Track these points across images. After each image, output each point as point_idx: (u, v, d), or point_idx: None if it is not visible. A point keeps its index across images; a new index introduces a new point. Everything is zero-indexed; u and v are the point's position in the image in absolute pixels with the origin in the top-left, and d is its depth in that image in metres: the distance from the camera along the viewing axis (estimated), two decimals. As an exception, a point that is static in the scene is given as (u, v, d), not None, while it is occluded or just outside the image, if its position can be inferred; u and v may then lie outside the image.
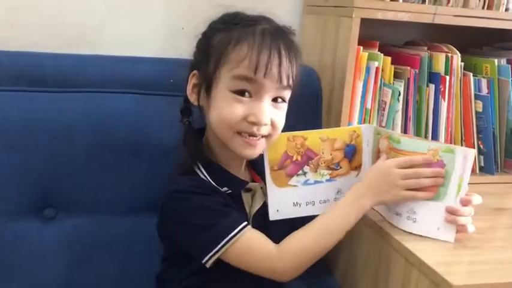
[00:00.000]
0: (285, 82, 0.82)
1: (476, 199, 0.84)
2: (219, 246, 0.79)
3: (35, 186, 0.97)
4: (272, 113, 0.83)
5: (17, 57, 1.01)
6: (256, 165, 0.94)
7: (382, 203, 0.88)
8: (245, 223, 0.81)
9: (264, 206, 0.90)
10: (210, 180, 0.86)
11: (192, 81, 0.87)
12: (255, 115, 0.81)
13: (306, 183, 0.92)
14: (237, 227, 0.80)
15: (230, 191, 0.86)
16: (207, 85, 0.83)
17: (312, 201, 0.93)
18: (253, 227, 0.85)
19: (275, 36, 0.81)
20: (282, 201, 0.91)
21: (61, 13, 1.15)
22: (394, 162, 0.85)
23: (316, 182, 0.92)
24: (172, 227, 0.84)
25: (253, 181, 0.93)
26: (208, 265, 0.80)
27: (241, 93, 0.81)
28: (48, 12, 1.14)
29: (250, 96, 0.81)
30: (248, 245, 0.80)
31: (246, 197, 0.89)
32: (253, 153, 0.85)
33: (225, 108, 0.81)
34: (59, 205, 1.00)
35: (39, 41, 1.12)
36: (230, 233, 0.79)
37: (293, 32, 0.87)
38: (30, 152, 0.96)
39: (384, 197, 0.84)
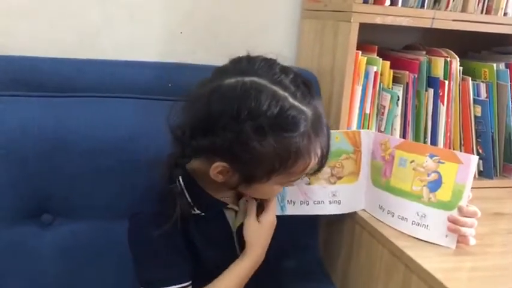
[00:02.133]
0: None
1: (475, 211, 0.84)
2: None
3: (32, 191, 0.96)
4: None
5: (15, 62, 1.01)
6: None
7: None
8: (185, 284, 0.81)
9: None
10: (188, 198, 0.83)
11: (218, 169, 0.76)
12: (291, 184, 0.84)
13: (302, 182, 0.93)
14: (172, 285, 0.80)
15: (203, 214, 0.85)
16: (250, 181, 0.77)
17: (307, 201, 0.94)
18: (238, 239, 0.88)
19: (323, 131, 0.77)
20: (275, 198, 0.91)
21: (59, 18, 1.14)
22: (272, 211, 0.88)
23: (313, 183, 0.93)
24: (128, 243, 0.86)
25: (237, 194, 0.90)
26: None
27: None
28: (46, 18, 1.14)
29: None
30: None
31: (228, 212, 0.89)
32: None
33: (269, 194, 0.85)
34: (56, 211, 0.99)
35: (37, 47, 1.12)
36: (163, 286, 0.80)
37: (311, 83, 0.79)
38: (28, 157, 0.95)
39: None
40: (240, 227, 0.88)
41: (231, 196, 0.90)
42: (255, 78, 0.73)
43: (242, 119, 0.70)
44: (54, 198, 0.98)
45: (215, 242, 0.86)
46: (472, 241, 0.84)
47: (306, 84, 0.76)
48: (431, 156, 0.85)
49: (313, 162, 0.77)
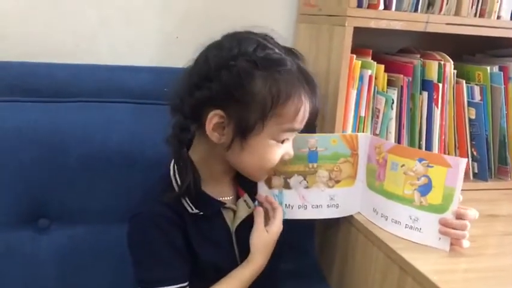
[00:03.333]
0: None
1: (472, 213, 0.84)
2: None
3: (28, 196, 0.97)
4: None
5: (10, 67, 1.01)
6: (241, 178, 0.92)
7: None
8: (182, 285, 0.82)
9: (249, 218, 0.90)
10: (186, 198, 0.84)
11: (214, 120, 0.79)
12: (289, 154, 0.86)
13: (300, 186, 0.93)
14: (171, 285, 0.81)
15: (202, 213, 0.85)
16: (245, 132, 0.79)
17: (305, 205, 0.94)
18: (237, 240, 0.88)
19: (310, 79, 0.82)
20: None
21: (54, 23, 1.15)
22: (279, 222, 0.90)
23: (311, 186, 0.94)
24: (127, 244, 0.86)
25: (237, 194, 0.92)
26: None
27: (283, 140, 0.83)
28: (42, 22, 1.14)
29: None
30: None
31: (227, 212, 0.89)
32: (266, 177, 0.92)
33: (267, 155, 0.83)
34: (53, 215, 0.99)
35: (32, 51, 1.12)
36: (158, 287, 0.81)
37: (301, 55, 0.87)
38: (24, 162, 0.96)
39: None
40: (239, 228, 0.89)
41: (229, 196, 0.91)
42: (244, 33, 0.83)
43: (234, 56, 0.78)
44: (50, 203, 0.99)
45: (213, 242, 0.86)
46: (466, 244, 0.84)
47: (289, 48, 0.85)
48: (420, 161, 0.85)
49: (304, 109, 0.80)
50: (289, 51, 0.84)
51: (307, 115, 0.82)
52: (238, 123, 0.79)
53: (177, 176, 0.84)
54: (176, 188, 0.84)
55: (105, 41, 1.19)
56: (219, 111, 0.79)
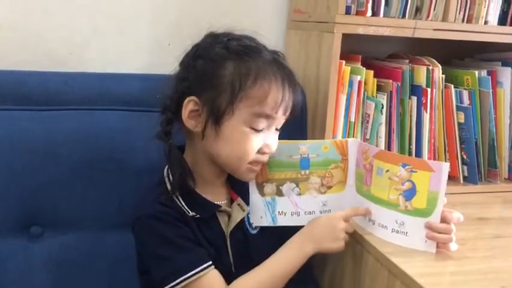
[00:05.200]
0: (288, 114, 0.86)
1: (456, 216, 0.85)
2: (176, 282, 0.80)
3: (20, 204, 0.97)
4: (276, 141, 0.88)
5: (1, 75, 1.01)
6: (233, 182, 0.94)
7: (325, 250, 0.89)
8: (206, 264, 0.82)
9: (243, 222, 0.91)
10: (182, 202, 0.85)
11: (189, 106, 0.83)
12: (268, 147, 0.86)
13: (293, 193, 0.94)
14: (196, 267, 0.81)
15: (199, 216, 0.86)
16: (216, 116, 0.81)
17: (298, 212, 0.95)
18: (231, 243, 0.89)
19: (285, 68, 0.84)
20: (266, 210, 0.93)
21: (45, 31, 1.15)
22: (343, 215, 0.88)
23: (304, 193, 0.95)
24: (139, 250, 0.87)
25: (230, 198, 0.93)
26: None
27: (258, 128, 0.83)
28: (33, 30, 1.15)
29: (264, 129, 0.84)
30: (204, 286, 0.81)
31: (221, 215, 0.90)
32: (254, 177, 0.90)
33: (242, 143, 0.83)
34: (46, 223, 0.99)
35: (23, 59, 1.13)
36: (188, 272, 0.80)
37: (284, 56, 0.89)
38: (16, 170, 0.96)
39: (326, 246, 0.88)
40: (233, 231, 0.89)
41: (223, 200, 0.92)
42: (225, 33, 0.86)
43: (210, 45, 0.83)
44: (43, 211, 0.99)
45: (210, 245, 0.86)
46: (453, 247, 0.85)
47: (274, 50, 0.87)
48: (403, 166, 0.86)
49: (274, 95, 0.81)
50: (272, 50, 0.86)
51: (279, 103, 0.82)
52: (211, 108, 0.81)
53: (170, 174, 0.86)
54: (169, 186, 0.85)
55: (97, 49, 1.19)
56: (193, 98, 0.82)
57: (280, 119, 0.86)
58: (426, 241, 0.85)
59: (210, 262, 0.83)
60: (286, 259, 0.86)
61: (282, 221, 0.95)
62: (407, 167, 0.86)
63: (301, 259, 0.86)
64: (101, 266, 1.01)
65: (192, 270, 0.80)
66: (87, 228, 1.01)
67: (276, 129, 0.88)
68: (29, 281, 0.97)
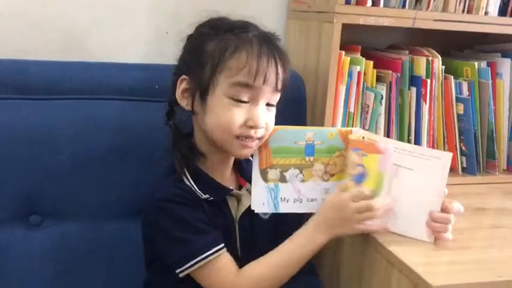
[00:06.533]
0: (279, 87, 0.85)
1: (456, 206, 0.85)
2: (192, 262, 0.82)
3: (20, 193, 0.97)
4: (266, 117, 0.86)
5: (1, 65, 1.01)
6: (241, 168, 0.96)
7: (338, 235, 0.88)
8: (221, 245, 0.83)
9: (251, 208, 0.91)
10: (194, 185, 0.87)
11: (182, 86, 0.86)
12: (253, 120, 0.84)
13: (296, 180, 0.94)
14: (212, 249, 0.82)
15: (212, 198, 0.87)
16: (201, 91, 0.84)
17: (300, 199, 0.95)
18: (240, 229, 0.89)
19: (269, 42, 0.84)
20: (268, 196, 0.92)
21: (45, 20, 1.15)
22: (350, 196, 0.86)
23: (307, 180, 0.94)
24: (152, 234, 0.87)
25: (239, 184, 0.95)
26: (181, 276, 0.83)
27: (239, 99, 0.83)
28: (32, 19, 1.14)
29: (248, 101, 0.83)
30: (218, 268, 0.83)
31: (231, 200, 0.91)
32: (249, 153, 0.88)
33: (224, 114, 0.83)
34: (45, 212, 1.00)
35: (22, 48, 1.13)
36: (204, 253, 0.81)
37: (279, 37, 0.89)
38: (15, 159, 0.96)
39: (340, 231, 0.86)
40: (242, 217, 0.90)
41: (232, 186, 0.92)
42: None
43: (199, 27, 0.88)
44: (42, 200, 0.99)
45: (219, 229, 0.87)
46: (448, 236, 0.85)
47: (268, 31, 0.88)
48: (355, 151, 0.88)
49: (251, 63, 0.81)
50: (265, 31, 0.87)
51: (256, 71, 0.81)
52: (197, 84, 0.84)
53: (179, 156, 0.88)
54: (178, 167, 0.87)
55: (96, 38, 1.19)
56: (184, 76, 0.86)
57: (266, 92, 0.84)
58: (422, 229, 0.85)
59: (223, 244, 0.84)
60: (298, 247, 0.85)
61: (284, 208, 0.94)
62: (359, 151, 0.87)
63: (314, 247, 0.85)
64: (101, 255, 1.01)
65: (207, 251, 0.82)
66: (87, 218, 1.01)
67: (269, 105, 0.86)
68: (29, 269, 0.97)
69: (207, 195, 0.87)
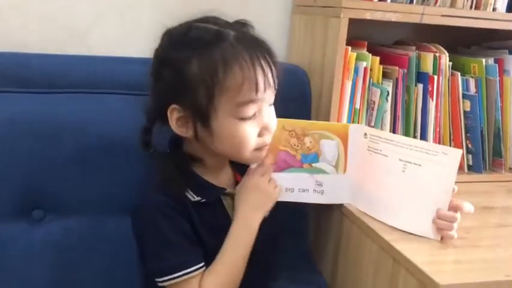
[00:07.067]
0: (277, 85, 0.83)
1: (467, 206, 0.85)
2: (164, 279, 0.81)
3: (22, 187, 0.96)
4: (274, 117, 0.86)
5: (3, 58, 1.00)
6: (237, 163, 0.93)
7: (267, 210, 0.89)
8: (198, 266, 0.81)
9: None
10: (188, 189, 0.85)
11: (174, 115, 0.80)
12: (267, 128, 0.84)
13: (288, 170, 0.94)
14: (187, 268, 0.80)
15: (204, 200, 0.86)
16: (202, 117, 0.78)
17: (292, 188, 0.95)
18: None
19: (252, 41, 0.80)
20: None
21: (47, 13, 1.14)
22: (256, 174, 0.89)
23: (298, 170, 0.95)
24: (134, 236, 0.86)
25: (235, 180, 0.93)
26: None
27: (247, 116, 0.80)
28: (35, 12, 1.13)
29: (255, 113, 0.81)
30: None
31: (226, 200, 0.90)
32: (264, 155, 0.88)
33: (236, 135, 0.80)
34: (47, 207, 0.99)
35: (25, 42, 1.12)
36: (177, 272, 0.80)
37: (250, 24, 0.84)
38: (17, 153, 0.95)
39: (267, 207, 0.88)
40: None
41: (228, 183, 0.91)
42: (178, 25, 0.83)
43: (167, 49, 0.81)
44: (45, 194, 0.98)
45: (215, 230, 0.86)
46: (452, 235, 0.85)
47: (237, 22, 0.83)
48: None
49: (249, 77, 0.77)
50: (234, 24, 0.82)
51: (258, 84, 0.78)
52: (193, 111, 0.79)
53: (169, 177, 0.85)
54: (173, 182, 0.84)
55: (99, 32, 1.18)
56: (174, 106, 0.80)
57: (267, 96, 0.82)
58: (429, 226, 0.85)
59: (201, 264, 0.82)
60: (239, 245, 0.85)
61: None
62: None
63: (251, 236, 0.85)
64: (103, 250, 1.00)
65: (181, 271, 0.80)
66: (89, 213, 1.00)
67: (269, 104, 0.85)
68: (31, 264, 0.96)
69: (198, 198, 0.85)
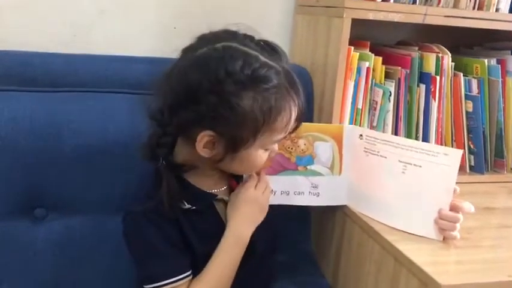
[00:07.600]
0: None
1: (467, 206, 0.85)
2: (150, 286, 0.81)
3: (25, 186, 0.97)
4: None
5: (6, 57, 1.01)
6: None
7: (257, 223, 0.89)
8: (184, 275, 0.82)
9: None
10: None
11: (204, 139, 0.78)
12: (275, 151, 0.88)
13: (283, 173, 0.94)
14: (172, 277, 0.81)
15: (195, 208, 0.85)
16: (236, 147, 0.78)
17: (287, 191, 0.95)
18: None
19: (296, 86, 0.81)
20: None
21: (51, 12, 1.14)
22: (250, 186, 0.89)
23: (293, 173, 0.95)
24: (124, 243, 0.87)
25: (230, 187, 0.92)
26: None
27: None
28: (38, 12, 1.13)
29: None
30: None
31: (219, 205, 0.90)
32: None
33: (256, 162, 0.84)
34: (50, 205, 0.99)
35: (28, 41, 1.11)
36: (163, 280, 0.81)
37: (284, 53, 0.84)
38: (20, 152, 0.95)
39: (258, 220, 0.88)
40: None
41: (222, 188, 0.91)
42: (225, 43, 0.78)
43: (221, 80, 0.74)
44: (47, 193, 0.98)
45: (207, 235, 0.86)
46: (454, 235, 0.85)
47: (271, 46, 0.82)
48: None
49: (293, 116, 0.80)
50: (272, 51, 0.81)
51: (296, 122, 0.83)
52: (230, 140, 0.78)
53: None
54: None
55: (103, 32, 1.18)
56: (209, 132, 0.77)
57: None
58: (430, 227, 0.85)
59: (187, 273, 0.83)
60: (230, 259, 0.85)
61: (272, 200, 0.94)
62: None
63: (242, 250, 0.86)
64: (105, 249, 1.00)
65: (167, 279, 0.81)
66: (92, 211, 1.01)
67: None
68: (33, 262, 0.97)
69: (189, 205, 0.85)
